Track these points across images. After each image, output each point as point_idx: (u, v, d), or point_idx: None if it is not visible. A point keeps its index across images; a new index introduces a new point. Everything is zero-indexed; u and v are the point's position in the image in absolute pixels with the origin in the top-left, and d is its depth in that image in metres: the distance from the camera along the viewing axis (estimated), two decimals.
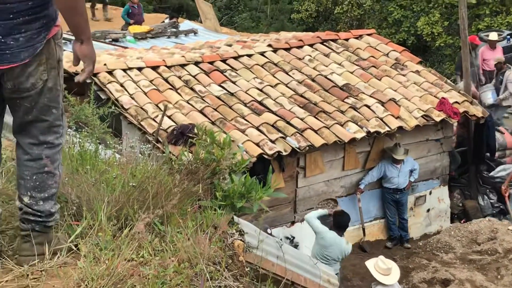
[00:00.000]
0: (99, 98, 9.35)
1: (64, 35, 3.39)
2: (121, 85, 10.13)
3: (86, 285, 2.98)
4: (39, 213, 3.17)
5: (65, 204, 3.56)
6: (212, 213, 3.95)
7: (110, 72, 10.38)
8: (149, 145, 5.93)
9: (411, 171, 11.15)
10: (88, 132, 5.19)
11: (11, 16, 2.91)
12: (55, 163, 3.19)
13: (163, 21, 20.20)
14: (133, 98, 9.87)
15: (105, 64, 10.61)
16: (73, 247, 3.30)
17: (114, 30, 17.67)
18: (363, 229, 11.17)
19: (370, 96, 10.92)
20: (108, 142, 5.44)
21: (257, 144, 9.18)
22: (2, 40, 2.92)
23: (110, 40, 15.84)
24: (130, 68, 10.63)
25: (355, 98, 10.82)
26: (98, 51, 13.24)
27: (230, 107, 10.01)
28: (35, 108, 3.11)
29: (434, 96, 11.20)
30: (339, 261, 8.70)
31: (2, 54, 2.94)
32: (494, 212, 12.25)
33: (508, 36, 17.15)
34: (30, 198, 3.16)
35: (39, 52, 3.00)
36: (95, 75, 10.20)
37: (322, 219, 8.88)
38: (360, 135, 10.07)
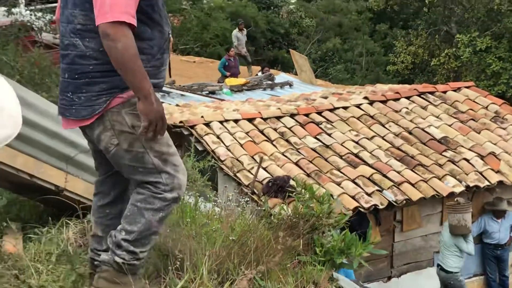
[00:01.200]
0: (195, 149, 9.49)
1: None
2: (218, 137, 10.26)
3: None
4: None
5: (167, 257, 3.58)
6: (312, 268, 3.90)
7: (207, 124, 10.54)
8: (246, 198, 5.95)
9: None
10: (188, 185, 5.25)
11: (76, 76, 3.19)
12: (148, 205, 3.25)
13: (257, 74, 20.48)
14: (229, 150, 9.97)
15: (202, 116, 10.79)
16: None
17: (211, 82, 18.03)
18: None
19: (469, 149, 10.65)
20: (208, 195, 5.49)
21: (353, 197, 9.07)
22: (71, 96, 3.21)
23: (207, 92, 16.17)
24: (226, 120, 10.77)
25: (454, 152, 10.58)
26: (195, 103, 13.53)
27: (325, 160, 9.97)
28: (120, 168, 3.32)
29: None
30: None
31: (70, 109, 3.23)
32: None
33: None
34: (120, 230, 3.29)
35: (102, 117, 3.20)
36: (193, 127, 10.39)
37: None
38: (459, 189, 9.80)
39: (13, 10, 13.97)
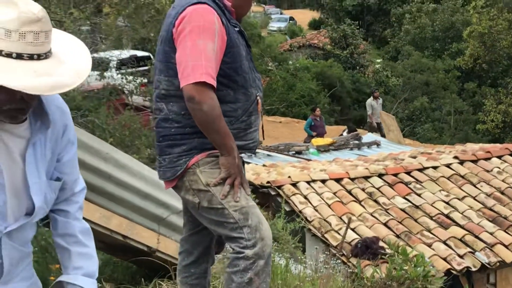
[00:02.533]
0: (281, 210, 9.49)
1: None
2: (305, 197, 10.22)
3: None
4: None
5: None
6: None
7: (294, 184, 10.52)
8: (336, 259, 5.87)
9: None
10: (278, 246, 5.24)
11: (161, 139, 3.33)
12: (234, 269, 3.25)
13: (341, 134, 20.43)
14: (316, 210, 9.91)
15: (289, 177, 10.79)
16: None
17: (297, 142, 18.08)
18: None
19: None
20: (299, 257, 5.45)
21: (445, 259, 8.83)
22: (159, 159, 3.36)
23: (294, 152, 16.20)
24: (313, 180, 10.73)
25: None
26: (282, 164, 13.57)
27: (415, 220, 9.77)
28: (208, 225, 3.37)
29: None
30: None
31: (159, 170, 3.38)
32: None
33: None
34: None
35: (183, 178, 3.30)
36: (280, 187, 10.40)
37: None
38: None
39: (105, 74, 14.44)
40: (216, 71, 3.12)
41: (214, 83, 3.07)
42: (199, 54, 3.07)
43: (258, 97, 3.38)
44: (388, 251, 7.10)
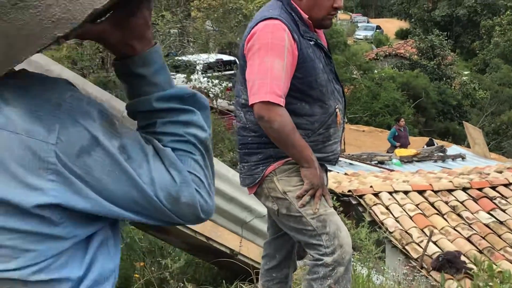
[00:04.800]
0: (363, 219, 9.42)
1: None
2: (387, 208, 10.12)
3: None
4: None
5: None
6: None
7: (376, 194, 10.44)
8: (416, 271, 5.79)
9: None
10: (361, 255, 5.21)
11: (240, 147, 3.40)
12: (314, 276, 3.25)
13: (423, 146, 20.09)
14: (398, 222, 9.79)
15: (371, 186, 10.71)
16: None
17: (380, 152, 17.92)
18: None
19: None
20: (382, 267, 5.41)
21: None
22: (239, 165, 3.43)
23: (376, 162, 16.06)
24: (396, 191, 10.62)
25: None
26: (364, 173, 13.47)
27: (499, 236, 9.53)
28: (288, 231, 3.40)
29: None
30: None
31: (240, 177, 3.45)
32: None
33: None
34: None
35: (262, 185, 3.34)
36: (361, 196, 10.34)
37: None
38: None
39: (191, 77, 14.66)
40: (285, 88, 3.11)
41: (280, 101, 3.06)
42: (265, 73, 3.08)
43: (337, 110, 3.36)
44: (471, 266, 6.94)
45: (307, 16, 3.26)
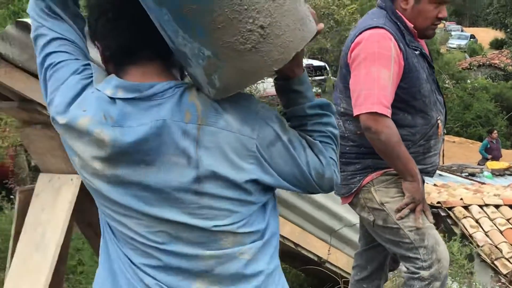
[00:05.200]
0: (451, 232, 9.26)
1: None
2: (476, 221, 9.92)
3: None
4: None
5: None
6: None
7: (465, 207, 10.24)
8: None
9: None
10: (452, 270, 5.12)
11: None
12: None
13: None
14: (487, 236, 9.57)
15: (461, 199, 10.51)
16: None
17: (471, 164, 17.50)
18: None
19: None
20: (473, 283, 5.30)
21: None
22: None
23: (467, 174, 15.70)
24: (486, 205, 10.39)
25: None
26: (454, 185, 13.21)
27: None
28: (383, 242, 3.36)
29: None
30: None
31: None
32: None
33: None
34: None
35: (358, 195, 3.30)
36: (450, 209, 10.16)
37: None
38: None
39: None
40: (391, 99, 3.08)
41: (387, 112, 3.03)
42: (372, 83, 3.04)
43: (438, 121, 3.30)
44: None
45: (412, 25, 3.21)
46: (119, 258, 1.81)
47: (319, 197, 4.68)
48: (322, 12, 11.57)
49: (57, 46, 1.83)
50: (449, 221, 9.88)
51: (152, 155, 1.71)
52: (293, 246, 4.58)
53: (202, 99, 1.74)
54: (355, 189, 3.29)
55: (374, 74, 3.03)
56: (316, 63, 17.01)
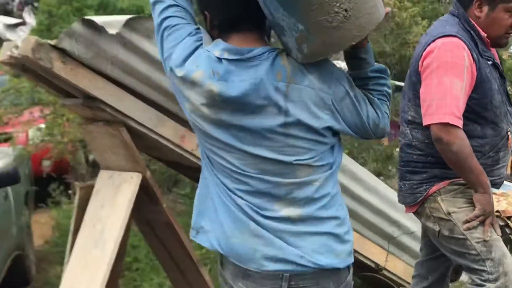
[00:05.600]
0: (510, 242, 9.05)
1: None
2: None
3: None
4: None
5: None
6: None
7: None
8: None
9: None
10: None
11: (402, 164, 3.36)
12: None
13: None
14: None
15: None
16: None
17: None
18: None
19: None
20: None
21: None
22: (399, 183, 3.40)
23: None
24: None
25: None
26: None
27: None
28: (447, 253, 3.32)
29: None
30: None
31: (399, 195, 3.42)
32: None
33: None
34: None
35: (423, 205, 3.27)
36: (509, 218, 9.92)
37: None
38: None
39: None
40: (463, 109, 3.02)
41: (459, 123, 2.98)
42: (444, 93, 2.99)
43: (508, 133, 3.26)
44: None
45: (486, 35, 3.15)
46: (216, 184, 2.29)
47: (377, 202, 4.62)
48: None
49: (173, 12, 2.29)
50: (507, 230, 9.64)
51: (250, 105, 2.19)
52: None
53: (291, 62, 2.22)
54: (421, 198, 3.25)
55: (447, 84, 2.98)
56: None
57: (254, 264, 2.24)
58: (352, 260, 2.46)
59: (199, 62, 2.20)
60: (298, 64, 2.21)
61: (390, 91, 2.43)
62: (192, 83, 2.20)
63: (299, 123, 2.21)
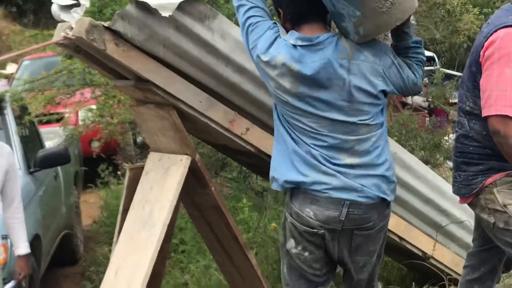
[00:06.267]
0: None
1: None
2: None
3: None
4: None
5: None
6: None
7: None
8: None
9: None
10: None
11: (458, 154, 3.31)
12: None
13: None
14: None
15: None
16: None
17: None
18: None
19: None
20: None
21: None
22: (454, 173, 3.38)
23: None
24: None
25: None
26: None
27: None
28: (502, 245, 3.26)
29: None
30: None
31: (454, 185, 3.41)
32: None
33: None
34: None
35: (478, 196, 3.22)
36: None
37: None
38: None
39: None
40: None
41: None
42: (505, 84, 2.94)
43: None
44: None
45: None
46: (295, 141, 2.99)
47: (426, 191, 4.57)
48: (434, 1, 11.26)
49: (254, 12, 3.00)
50: None
51: (321, 80, 2.90)
52: (398, 240, 4.48)
53: (349, 43, 2.93)
54: (476, 190, 3.20)
55: (508, 75, 2.92)
56: (426, 53, 16.62)
57: (324, 193, 2.94)
58: (394, 196, 3.12)
59: (280, 49, 2.90)
60: (355, 44, 2.92)
61: (424, 58, 3.14)
62: (275, 65, 2.91)
63: (360, 90, 2.93)
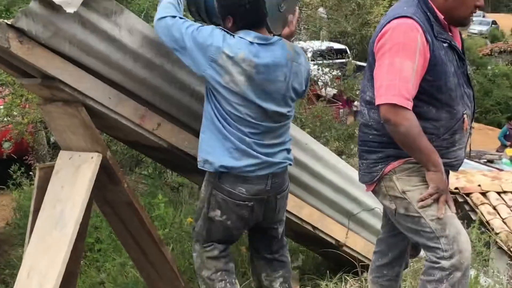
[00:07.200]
0: (469, 218, 9.21)
1: None
2: (494, 208, 9.84)
3: None
4: None
5: None
6: None
7: (483, 194, 10.18)
8: None
9: None
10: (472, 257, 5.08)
11: (360, 143, 3.41)
12: (429, 277, 3.18)
13: None
14: (505, 223, 9.50)
15: (479, 185, 10.45)
16: None
17: (489, 151, 17.39)
18: None
19: None
20: (492, 271, 5.27)
21: None
22: (358, 162, 3.44)
23: (485, 161, 15.60)
24: (504, 192, 10.32)
25: None
26: (472, 171, 13.12)
27: None
28: (404, 231, 3.35)
29: None
30: None
31: (359, 173, 3.47)
32: None
33: None
34: None
35: (380, 183, 3.31)
36: (468, 195, 10.10)
37: None
38: None
39: None
40: (414, 91, 3.05)
41: (408, 104, 3.01)
42: (394, 74, 3.02)
43: (464, 115, 3.26)
44: None
45: (443, 17, 3.16)
46: (230, 128, 3.44)
47: (338, 180, 4.67)
48: None
49: (188, 22, 3.42)
50: (466, 207, 9.83)
51: (270, 75, 3.44)
52: (312, 229, 4.57)
53: (292, 47, 3.59)
54: (377, 177, 3.29)
55: (398, 65, 3.01)
56: (337, 46, 16.82)
57: (252, 173, 3.52)
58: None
59: (240, 46, 3.38)
60: (295, 49, 3.60)
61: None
62: (237, 60, 3.36)
63: (293, 88, 3.58)
